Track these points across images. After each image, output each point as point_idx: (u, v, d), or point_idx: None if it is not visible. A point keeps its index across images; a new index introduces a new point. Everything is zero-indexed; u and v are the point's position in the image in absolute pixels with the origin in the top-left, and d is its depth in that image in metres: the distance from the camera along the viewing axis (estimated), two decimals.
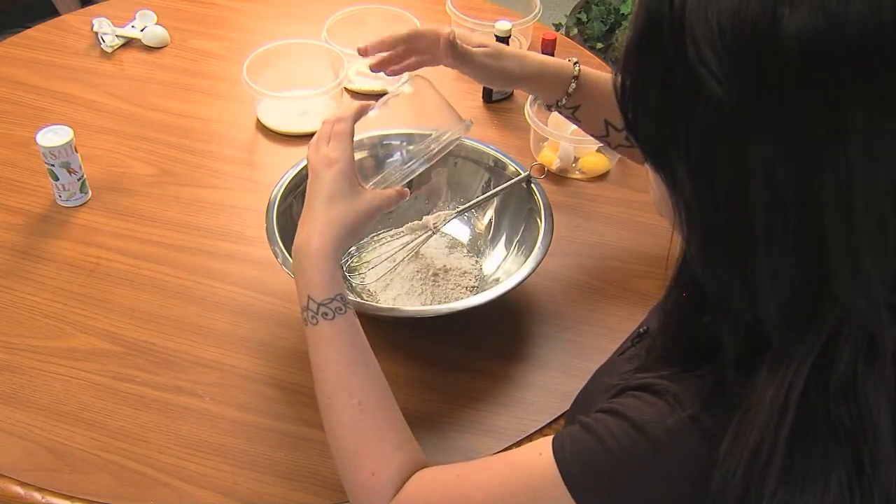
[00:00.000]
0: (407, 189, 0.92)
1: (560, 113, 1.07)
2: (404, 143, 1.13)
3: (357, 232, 0.85)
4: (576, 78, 1.02)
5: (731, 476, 0.55)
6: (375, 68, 1.05)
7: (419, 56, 1.04)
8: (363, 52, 1.04)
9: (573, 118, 1.07)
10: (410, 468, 0.76)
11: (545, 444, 0.65)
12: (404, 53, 1.04)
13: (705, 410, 0.58)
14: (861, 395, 0.52)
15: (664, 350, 0.65)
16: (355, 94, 1.45)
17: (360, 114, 0.90)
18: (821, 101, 0.47)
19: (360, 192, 0.85)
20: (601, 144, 1.27)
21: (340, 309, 0.80)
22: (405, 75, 1.05)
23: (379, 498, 0.74)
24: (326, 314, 0.79)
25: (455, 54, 1.00)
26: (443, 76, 1.48)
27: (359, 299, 1.05)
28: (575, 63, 1.02)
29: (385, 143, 1.14)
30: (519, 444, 0.94)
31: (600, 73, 1.04)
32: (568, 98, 1.03)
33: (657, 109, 0.54)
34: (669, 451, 0.58)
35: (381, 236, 1.16)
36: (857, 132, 0.47)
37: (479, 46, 1.01)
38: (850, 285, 0.51)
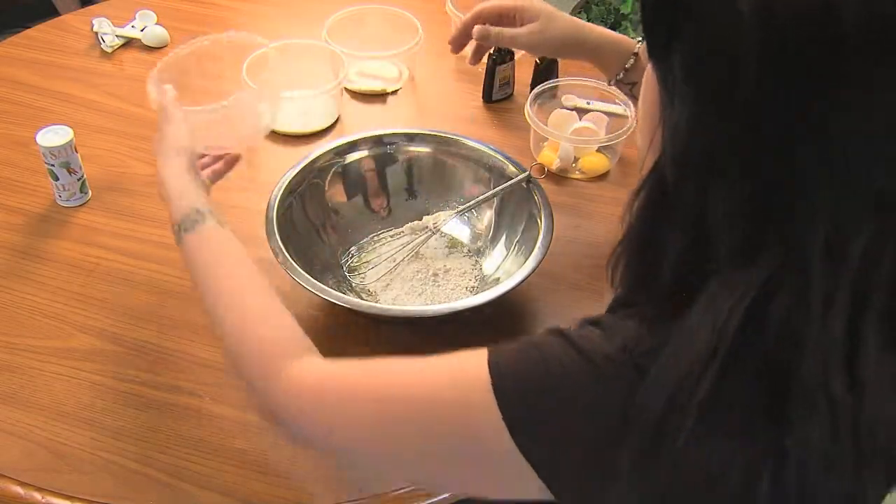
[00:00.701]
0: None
1: (619, 88, 1.10)
2: (405, 143, 1.15)
3: (179, 137, 0.94)
4: (635, 54, 1.04)
5: (651, 404, 0.53)
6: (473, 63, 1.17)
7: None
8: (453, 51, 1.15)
9: (631, 95, 1.10)
10: (297, 346, 0.74)
11: (479, 354, 0.62)
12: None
13: (637, 344, 0.56)
14: (793, 340, 0.51)
15: (629, 254, 0.64)
16: (355, 94, 1.45)
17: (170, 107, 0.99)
18: (821, 55, 0.46)
19: (170, 115, 0.96)
20: (601, 144, 1.28)
21: (198, 221, 0.84)
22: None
23: (278, 388, 0.71)
24: (186, 229, 0.83)
25: (496, 44, 1.12)
26: (443, 76, 1.49)
27: (359, 299, 1.05)
28: (639, 40, 1.04)
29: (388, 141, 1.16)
30: None
31: None
32: (625, 73, 1.06)
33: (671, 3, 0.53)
34: (609, 381, 0.56)
35: (381, 236, 1.16)
36: (855, 85, 0.47)
37: (529, 22, 1.06)
38: (798, 211, 0.50)
